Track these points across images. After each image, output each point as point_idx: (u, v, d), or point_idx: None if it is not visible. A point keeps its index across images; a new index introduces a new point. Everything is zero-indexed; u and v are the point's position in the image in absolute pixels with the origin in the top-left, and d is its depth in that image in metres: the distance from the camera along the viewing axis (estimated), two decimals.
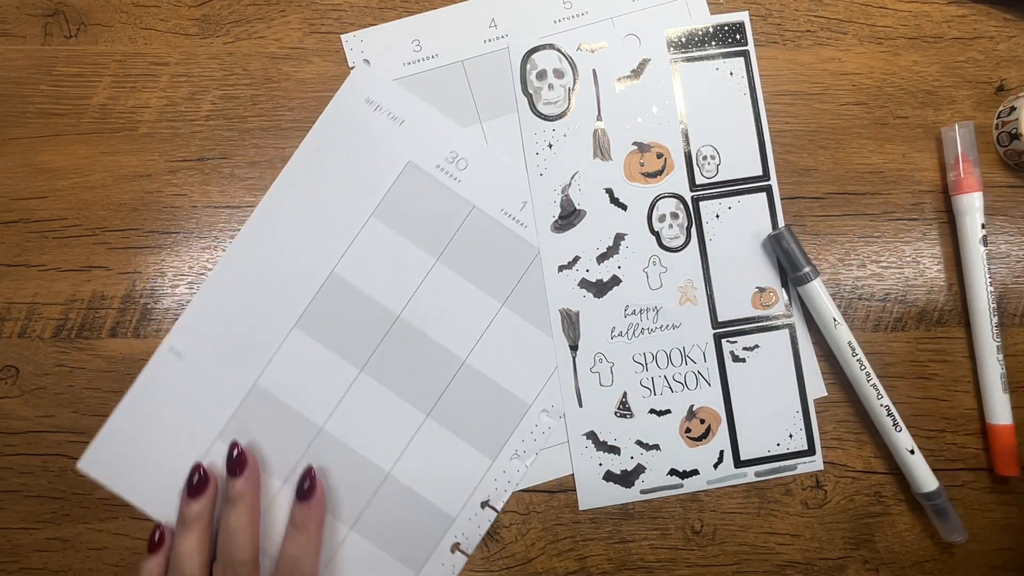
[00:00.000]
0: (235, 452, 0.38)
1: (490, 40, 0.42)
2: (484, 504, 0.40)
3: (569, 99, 0.42)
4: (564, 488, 0.42)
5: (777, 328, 0.42)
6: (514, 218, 0.41)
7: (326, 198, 0.41)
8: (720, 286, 0.42)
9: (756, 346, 0.42)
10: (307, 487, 0.39)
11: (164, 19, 0.43)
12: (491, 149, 0.42)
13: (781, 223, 0.42)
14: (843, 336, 0.40)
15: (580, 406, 0.42)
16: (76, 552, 0.41)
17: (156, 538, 0.38)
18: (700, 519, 0.42)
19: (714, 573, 0.42)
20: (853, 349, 0.40)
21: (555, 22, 0.43)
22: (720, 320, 0.42)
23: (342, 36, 0.42)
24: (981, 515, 0.42)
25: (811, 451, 0.42)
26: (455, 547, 0.40)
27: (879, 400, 0.40)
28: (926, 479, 0.40)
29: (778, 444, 0.42)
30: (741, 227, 0.42)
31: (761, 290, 0.42)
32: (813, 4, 0.44)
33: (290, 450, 0.40)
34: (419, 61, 0.42)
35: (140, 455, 0.40)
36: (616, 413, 0.42)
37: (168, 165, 0.42)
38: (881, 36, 0.44)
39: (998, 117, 0.43)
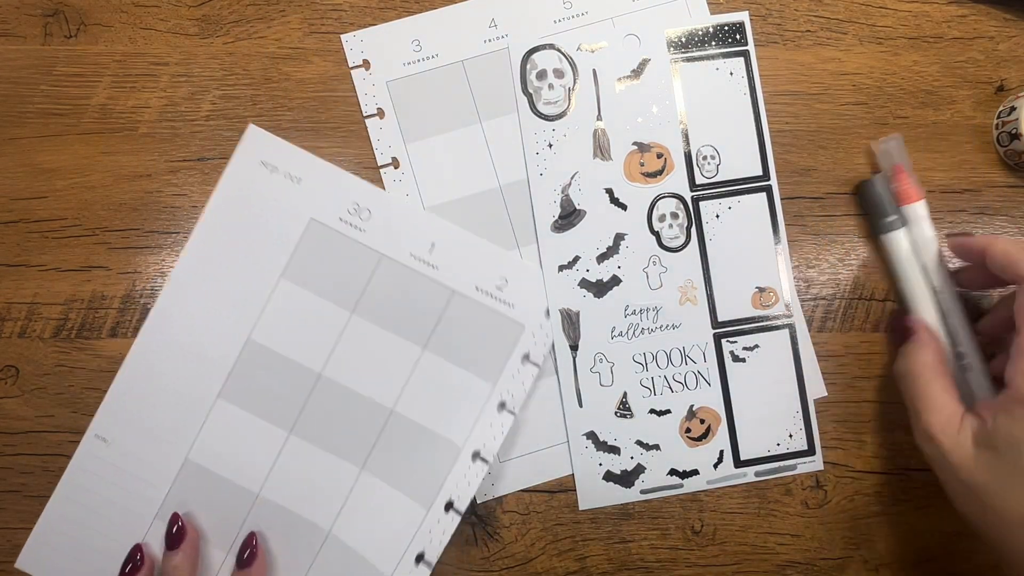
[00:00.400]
0: (175, 527, 0.38)
1: (490, 40, 0.42)
2: (419, 559, 0.39)
3: (569, 99, 0.42)
4: (564, 488, 0.42)
5: (777, 328, 0.42)
6: (424, 260, 0.40)
7: (234, 265, 0.40)
8: (720, 286, 0.42)
9: (756, 346, 0.42)
10: (247, 555, 0.39)
11: (164, 19, 0.43)
12: (391, 195, 0.41)
13: (782, 223, 0.42)
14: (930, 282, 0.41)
15: (580, 406, 0.42)
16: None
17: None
18: (700, 519, 0.42)
19: (714, 573, 0.42)
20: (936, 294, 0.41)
21: (555, 22, 0.43)
22: (720, 320, 0.42)
23: (342, 36, 0.42)
24: None
25: (811, 451, 0.42)
26: None
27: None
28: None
29: (778, 444, 0.42)
30: (741, 227, 0.42)
31: (761, 290, 0.42)
32: (813, 4, 0.44)
33: (229, 520, 0.40)
34: (419, 61, 0.42)
35: (78, 546, 0.39)
36: (616, 413, 0.42)
37: (168, 165, 0.42)
38: (881, 36, 0.44)
39: (998, 117, 0.43)
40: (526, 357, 0.40)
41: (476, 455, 0.40)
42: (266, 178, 0.41)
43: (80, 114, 0.42)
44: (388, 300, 0.40)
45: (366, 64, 0.42)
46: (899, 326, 0.41)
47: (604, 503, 0.42)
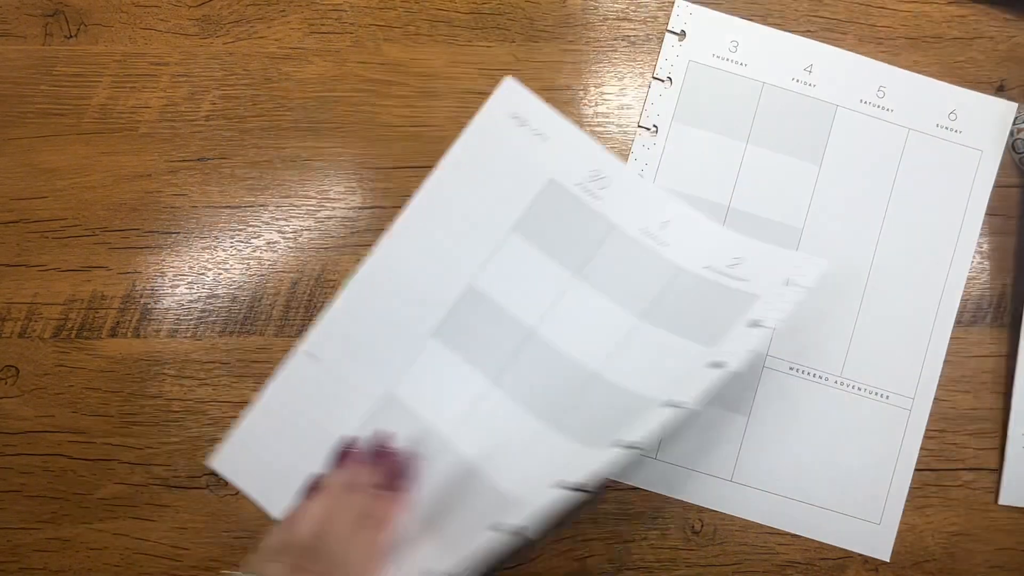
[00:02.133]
0: (348, 448, 0.37)
1: (797, 80, 0.43)
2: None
3: None
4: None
5: None
6: (654, 237, 0.41)
7: (468, 210, 0.41)
8: None
9: None
10: (394, 478, 0.36)
11: (164, 19, 0.43)
12: (631, 169, 0.42)
13: None
14: None
15: None
16: (76, 552, 0.41)
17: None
18: (700, 519, 0.42)
19: (714, 573, 0.42)
20: None
21: (861, 101, 0.43)
22: None
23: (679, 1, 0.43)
24: (981, 515, 0.42)
25: None
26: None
27: None
28: None
29: None
30: None
31: None
32: (813, 4, 0.44)
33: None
34: (728, 60, 0.43)
35: (271, 455, 0.40)
36: None
37: (168, 165, 0.42)
38: (881, 36, 0.44)
39: (1013, 124, 0.43)
40: (755, 323, 0.37)
41: (671, 403, 0.36)
42: (513, 131, 0.41)
43: (80, 114, 0.42)
44: (612, 269, 0.41)
45: (682, 34, 0.43)
46: None
47: None
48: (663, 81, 0.43)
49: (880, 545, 0.41)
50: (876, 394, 0.42)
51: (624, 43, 0.43)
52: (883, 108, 0.43)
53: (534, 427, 0.39)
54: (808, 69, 0.43)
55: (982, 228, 0.43)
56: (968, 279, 0.43)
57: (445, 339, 0.40)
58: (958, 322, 0.42)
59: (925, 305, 0.42)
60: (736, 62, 0.43)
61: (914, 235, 0.42)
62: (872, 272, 0.42)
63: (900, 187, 0.42)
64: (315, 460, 0.38)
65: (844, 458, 0.42)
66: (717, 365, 0.35)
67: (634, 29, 0.43)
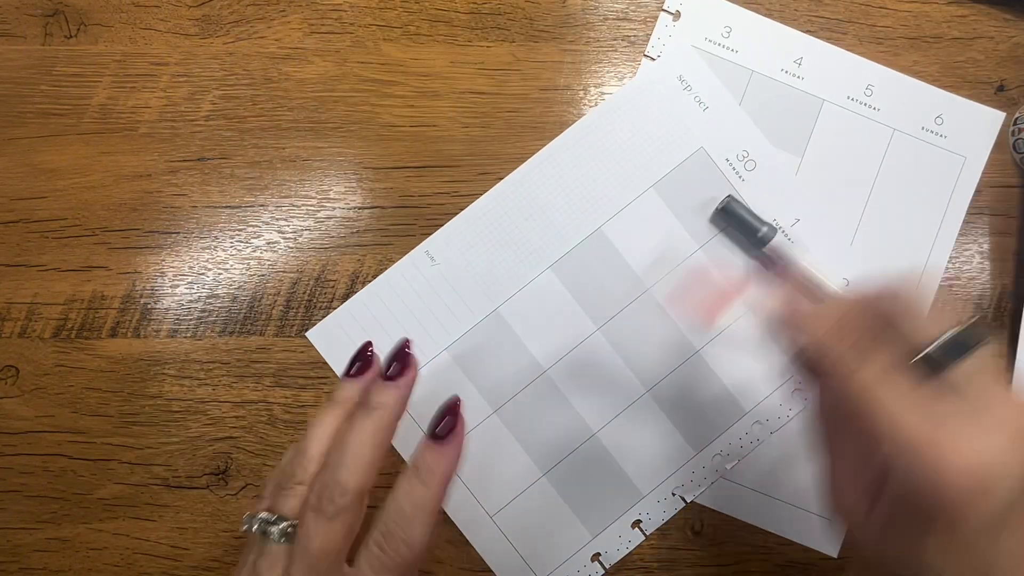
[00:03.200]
0: (405, 350, 0.32)
1: (786, 72, 0.43)
2: (674, 492, 0.41)
3: None
4: None
5: None
6: (784, 232, 0.41)
7: (615, 157, 0.42)
8: None
9: None
10: (446, 427, 0.31)
11: (164, 19, 0.43)
12: (783, 160, 0.42)
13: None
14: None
15: None
16: (76, 552, 0.41)
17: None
18: (700, 519, 0.42)
19: (714, 573, 0.42)
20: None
21: (848, 98, 0.43)
22: None
23: None
24: None
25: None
26: (635, 524, 0.41)
27: None
28: None
29: None
30: None
31: None
32: (813, 4, 0.44)
33: (504, 385, 0.41)
34: (719, 45, 0.43)
35: (362, 339, 0.39)
36: None
37: (168, 165, 0.42)
38: (881, 36, 0.44)
39: (1014, 124, 0.43)
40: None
41: (756, 423, 0.41)
42: (677, 93, 0.42)
43: (80, 114, 0.42)
44: (736, 249, 0.41)
45: (677, 15, 0.43)
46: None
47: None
48: (653, 60, 0.43)
49: None
50: None
51: (624, 43, 0.43)
52: (869, 107, 0.43)
53: (637, 388, 0.41)
54: (798, 61, 0.43)
55: (982, 228, 0.43)
56: (968, 279, 0.43)
57: (561, 275, 0.41)
58: (957, 322, 0.42)
59: None
60: (728, 48, 0.43)
61: (891, 234, 0.42)
62: (847, 268, 0.42)
63: (880, 186, 0.42)
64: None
65: None
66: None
67: (634, 29, 0.43)
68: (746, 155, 0.42)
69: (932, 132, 0.43)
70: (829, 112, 0.42)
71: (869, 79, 0.43)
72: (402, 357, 0.32)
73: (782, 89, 0.43)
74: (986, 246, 0.43)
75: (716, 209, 0.41)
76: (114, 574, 0.41)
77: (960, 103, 0.43)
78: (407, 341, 0.33)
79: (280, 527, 0.29)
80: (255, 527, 0.29)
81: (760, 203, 0.41)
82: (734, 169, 0.42)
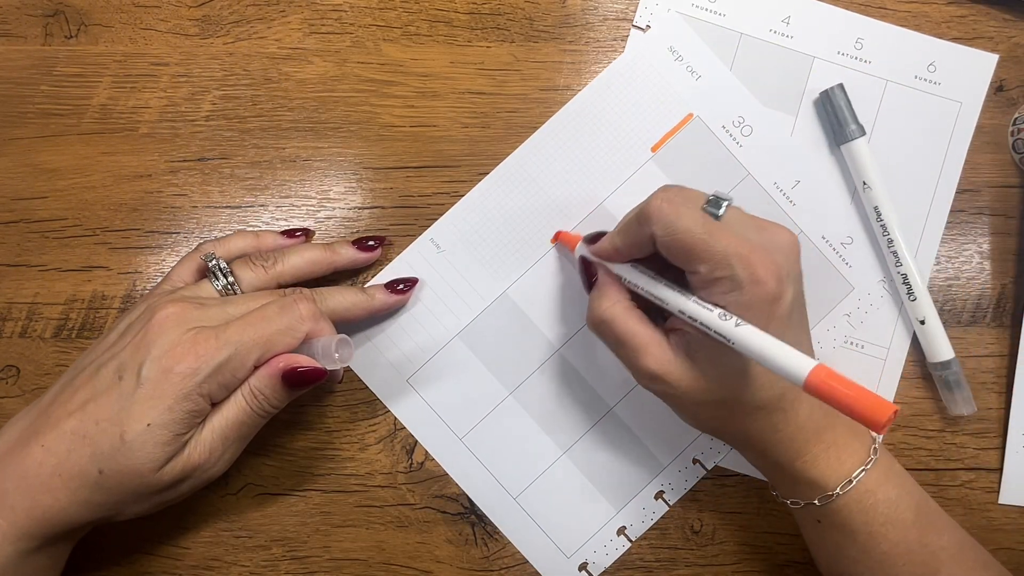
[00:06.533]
0: (402, 285, 0.40)
1: (775, 32, 0.42)
2: (695, 460, 0.42)
3: None
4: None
5: None
6: (785, 194, 0.42)
7: (610, 131, 0.42)
8: None
9: None
10: (402, 286, 0.40)
11: (164, 19, 0.43)
12: (781, 123, 0.42)
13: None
14: (870, 201, 0.41)
15: None
16: (76, 552, 0.41)
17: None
18: (700, 519, 0.42)
19: (714, 573, 0.42)
20: (879, 214, 0.40)
21: (839, 53, 0.43)
22: None
23: None
24: (981, 515, 0.42)
25: None
26: (658, 495, 0.42)
27: (897, 268, 0.41)
28: (941, 348, 0.40)
29: None
30: None
31: None
32: None
33: (520, 363, 0.41)
34: (706, 10, 0.42)
35: (374, 326, 0.41)
36: None
37: (168, 165, 0.42)
38: None
39: (1013, 124, 0.43)
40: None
41: None
42: (667, 63, 0.42)
43: (80, 114, 0.42)
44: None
45: (678, 14, 0.43)
46: (585, 276, 0.38)
47: None
48: (642, 29, 0.43)
49: None
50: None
51: (624, 43, 0.43)
52: (861, 60, 0.43)
53: None
54: (786, 21, 0.42)
55: (982, 228, 0.43)
56: (968, 279, 0.43)
57: (567, 252, 0.41)
58: (957, 322, 0.42)
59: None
60: (715, 12, 0.42)
61: (892, 184, 0.42)
62: (850, 227, 0.42)
63: (877, 138, 0.42)
64: (417, 339, 0.41)
65: None
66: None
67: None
68: (742, 120, 0.42)
69: (926, 80, 0.42)
70: (820, 69, 0.42)
71: (859, 32, 0.43)
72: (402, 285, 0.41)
73: (772, 49, 0.42)
74: (986, 246, 0.43)
75: (822, 92, 0.41)
76: (114, 574, 0.41)
77: (952, 49, 0.43)
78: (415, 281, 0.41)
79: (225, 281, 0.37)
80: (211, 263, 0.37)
81: (759, 167, 0.42)
82: (731, 135, 0.42)
